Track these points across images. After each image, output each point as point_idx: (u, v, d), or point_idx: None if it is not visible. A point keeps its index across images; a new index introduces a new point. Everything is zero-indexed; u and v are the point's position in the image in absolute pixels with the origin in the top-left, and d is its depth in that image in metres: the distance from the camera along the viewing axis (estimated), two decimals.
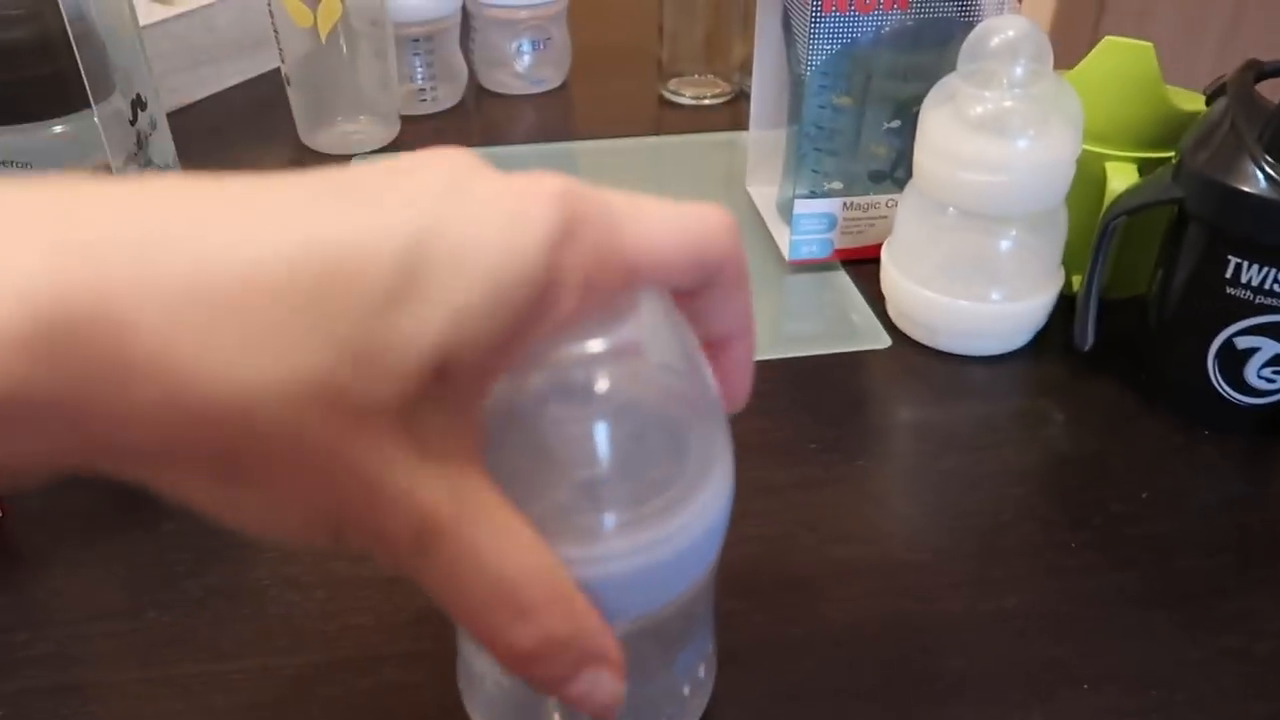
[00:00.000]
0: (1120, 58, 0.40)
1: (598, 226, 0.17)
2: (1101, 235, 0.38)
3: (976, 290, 0.41)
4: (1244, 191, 0.34)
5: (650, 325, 0.20)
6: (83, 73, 0.34)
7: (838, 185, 0.47)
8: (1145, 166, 0.40)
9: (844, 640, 0.30)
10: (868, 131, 0.46)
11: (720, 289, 0.20)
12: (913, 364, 0.42)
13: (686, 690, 0.27)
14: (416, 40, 0.62)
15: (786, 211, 0.49)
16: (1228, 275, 0.35)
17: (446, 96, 0.65)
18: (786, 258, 0.48)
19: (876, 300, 0.45)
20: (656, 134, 0.63)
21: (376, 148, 0.60)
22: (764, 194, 0.53)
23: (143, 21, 0.51)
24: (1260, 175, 0.33)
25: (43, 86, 0.34)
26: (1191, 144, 0.36)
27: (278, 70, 0.59)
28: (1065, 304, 0.42)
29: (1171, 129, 0.40)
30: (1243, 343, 0.36)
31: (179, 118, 0.61)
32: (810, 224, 0.47)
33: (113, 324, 0.13)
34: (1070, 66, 0.41)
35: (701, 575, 0.23)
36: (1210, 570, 0.33)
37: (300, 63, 0.57)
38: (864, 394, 0.41)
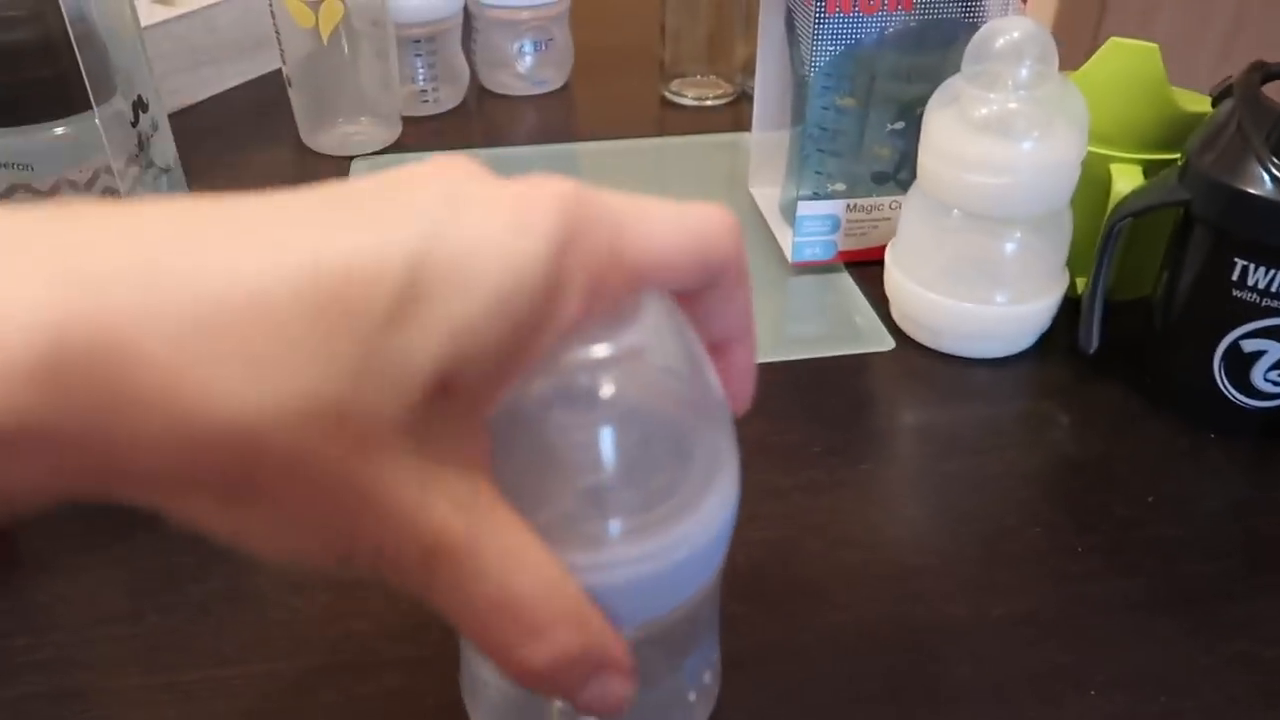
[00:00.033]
0: (1125, 59, 0.40)
1: (601, 230, 0.17)
2: (1107, 237, 0.38)
3: (981, 292, 0.40)
4: (1250, 194, 0.34)
5: (655, 328, 0.20)
6: (84, 74, 0.34)
7: (841, 187, 0.46)
8: (1150, 168, 0.40)
9: (850, 646, 0.30)
10: (871, 133, 0.46)
11: (722, 290, 0.20)
12: (916, 367, 0.42)
13: (693, 696, 0.27)
14: (418, 41, 0.62)
15: (789, 213, 0.49)
16: (1234, 278, 0.35)
17: (448, 97, 0.65)
18: (789, 260, 0.48)
19: (880, 302, 0.45)
20: (659, 135, 0.63)
21: (378, 149, 0.60)
22: (767, 195, 0.53)
23: (144, 22, 0.51)
24: (1267, 177, 0.33)
25: (44, 88, 0.34)
26: (1198, 146, 0.36)
27: (279, 71, 0.59)
28: (1070, 306, 0.42)
29: (1177, 130, 0.39)
30: (1249, 345, 0.36)
31: (180, 119, 0.61)
32: (813, 226, 0.47)
33: (118, 353, 0.13)
34: (1072, 67, 0.41)
35: (708, 581, 0.23)
36: (1217, 575, 0.32)
37: (301, 63, 0.57)
38: (868, 397, 0.41)
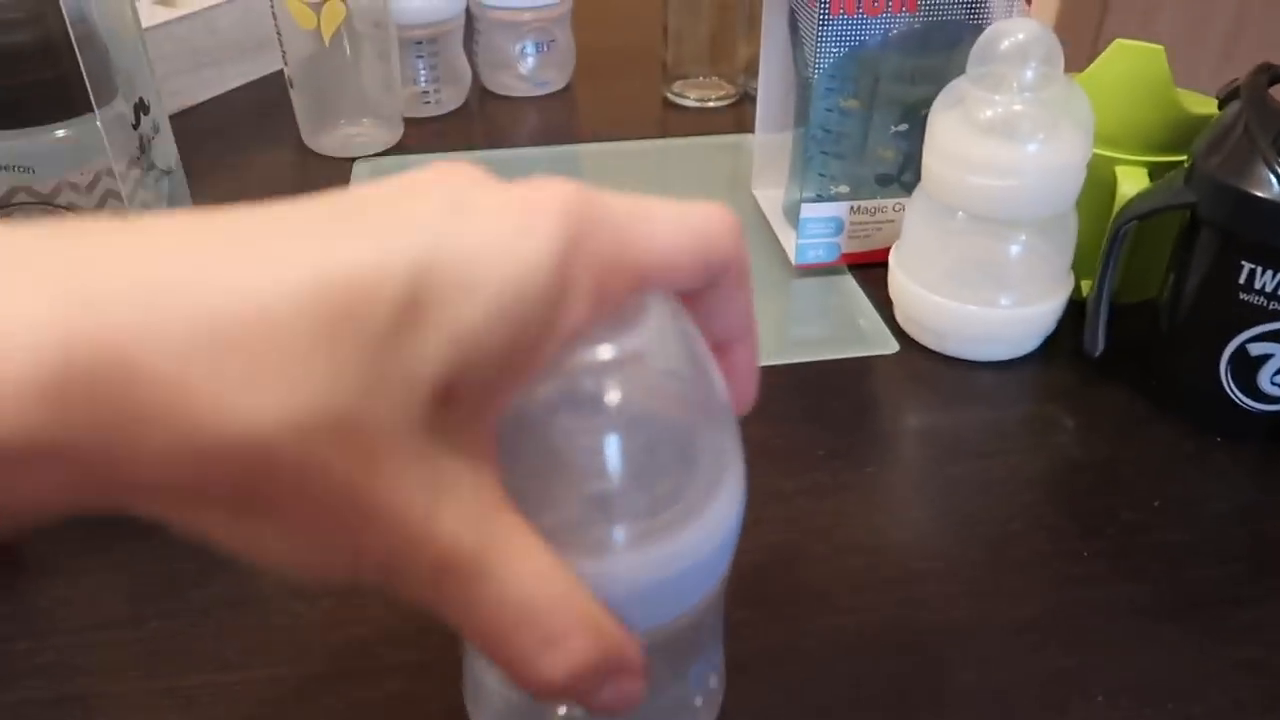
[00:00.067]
0: (1131, 60, 0.39)
1: (604, 231, 0.17)
2: (1112, 240, 0.38)
3: (985, 295, 0.40)
4: (1257, 196, 0.33)
5: (660, 331, 0.19)
6: (85, 76, 0.34)
7: (844, 189, 0.46)
8: (1156, 170, 0.40)
9: (854, 650, 0.30)
10: (875, 135, 0.46)
11: (724, 289, 0.20)
12: (921, 369, 0.42)
13: (699, 701, 0.27)
14: (420, 42, 0.62)
15: (793, 215, 0.49)
16: (1241, 281, 0.35)
17: (450, 99, 0.64)
18: (793, 262, 0.47)
19: (884, 305, 0.45)
20: (661, 136, 0.63)
21: (379, 150, 0.59)
22: (770, 197, 0.52)
23: (144, 24, 0.51)
24: (1274, 180, 0.33)
25: (45, 90, 0.34)
26: (1204, 148, 0.36)
27: (280, 72, 0.59)
28: (1075, 309, 0.42)
29: (1183, 132, 0.39)
30: (1256, 349, 0.35)
31: (181, 120, 0.61)
32: (817, 228, 0.47)
33: (124, 369, 0.13)
34: (1074, 68, 0.41)
35: (713, 587, 0.23)
36: (1224, 579, 0.32)
37: (303, 65, 0.57)
38: (872, 400, 0.41)
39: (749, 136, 0.57)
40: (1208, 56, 1.09)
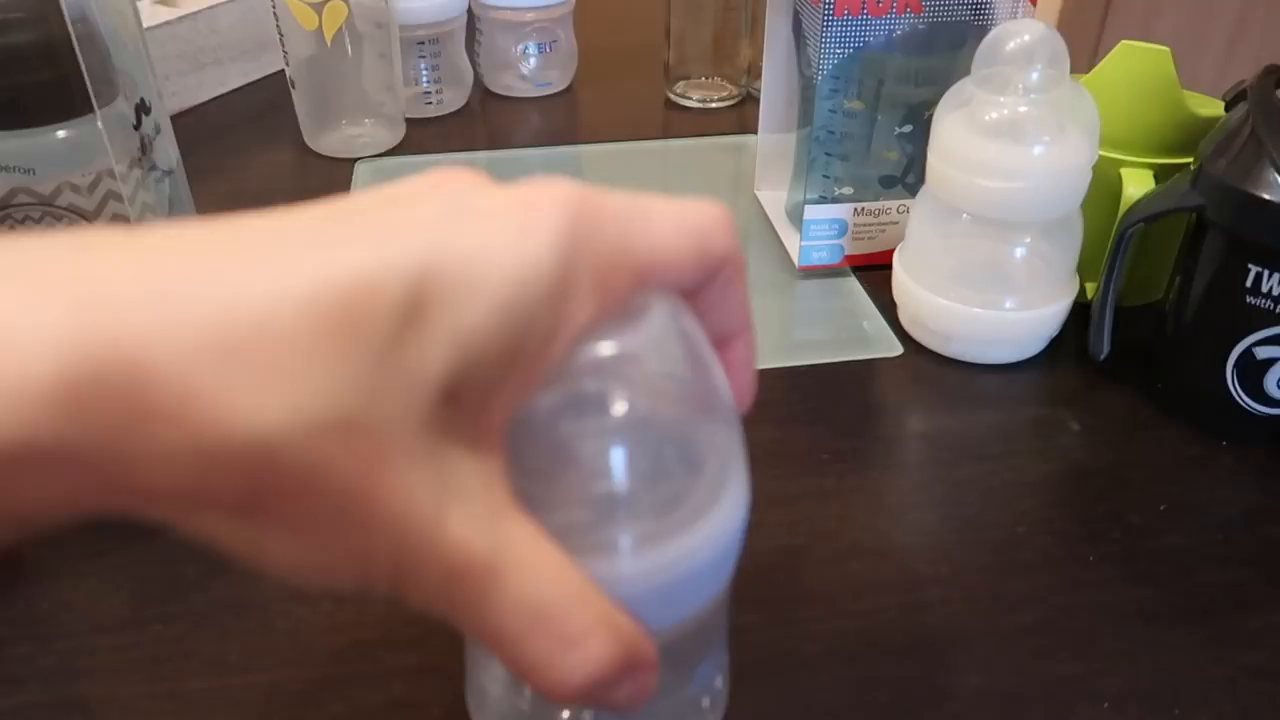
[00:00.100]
0: (1137, 62, 0.39)
1: (606, 229, 0.17)
2: (1118, 242, 0.38)
3: (990, 297, 0.40)
4: (1265, 199, 0.33)
5: (665, 330, 0.19)
6: (86, 77, 0.33)
7: (848, 190, 0.46)
8: (1161, 172, 0.40)
9: (859, 654, 0.30)
10: (879, 136, 0.45)
11: (719, 286, 0.20)
12: (925, 372, 0.42)
13: (706, 703, 0.26)
14: (422, 43, 0.61)
15: (796, 217, 0.49)
16: (1248, 284, 0.35)
17: (452, 99, 0.64)
18: (796, 264, 0.47)
19: (888, 307, 0.45)
20: (663, 137, 0.62)
21: (381, 151, 0.59)
22: (773, 199, 0.52)
23: (146, 24, 0.51)
24: None
25: (45, 91, 0.34)
26: (1211, 150, 0.35)
27: (282, 73, 0.59)
28: (1080, 312, 0.41)
29: (1188, 134, 0.39)
30: (1262, 353, 0.35)
31: (182, 120, 0.61)
32: (821, 230, 0.47)
33: (132, 373, 0.13)
34: (1077, 69, 0.41)
35: (719, 591, 0.22)
36: (1231, 585, 0.32)
37: (305, 65, 0.57)
38: (876, 403, 0.41)
39: (751, 137, 0.57)
40: (1209, 58, 1.09)
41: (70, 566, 0.32)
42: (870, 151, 0.46)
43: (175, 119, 0.41)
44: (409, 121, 0.61)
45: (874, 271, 0.47)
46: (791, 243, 0.49)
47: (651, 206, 0.18)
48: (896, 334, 0.44)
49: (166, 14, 0.60)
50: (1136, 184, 0.39)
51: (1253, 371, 0.36)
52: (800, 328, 0.46)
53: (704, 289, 0.20)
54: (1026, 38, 0.37)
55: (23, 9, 0.33)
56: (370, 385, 0.15)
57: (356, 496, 0.15)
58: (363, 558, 0.16)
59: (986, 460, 0.37)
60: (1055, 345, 0.42)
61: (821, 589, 0.32)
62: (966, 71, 0.39)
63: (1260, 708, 0.28)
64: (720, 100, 0.66)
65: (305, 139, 0.60)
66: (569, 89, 0.68)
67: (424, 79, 0.63)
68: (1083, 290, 0.42)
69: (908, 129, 0.45)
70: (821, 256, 0.47)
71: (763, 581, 0.32)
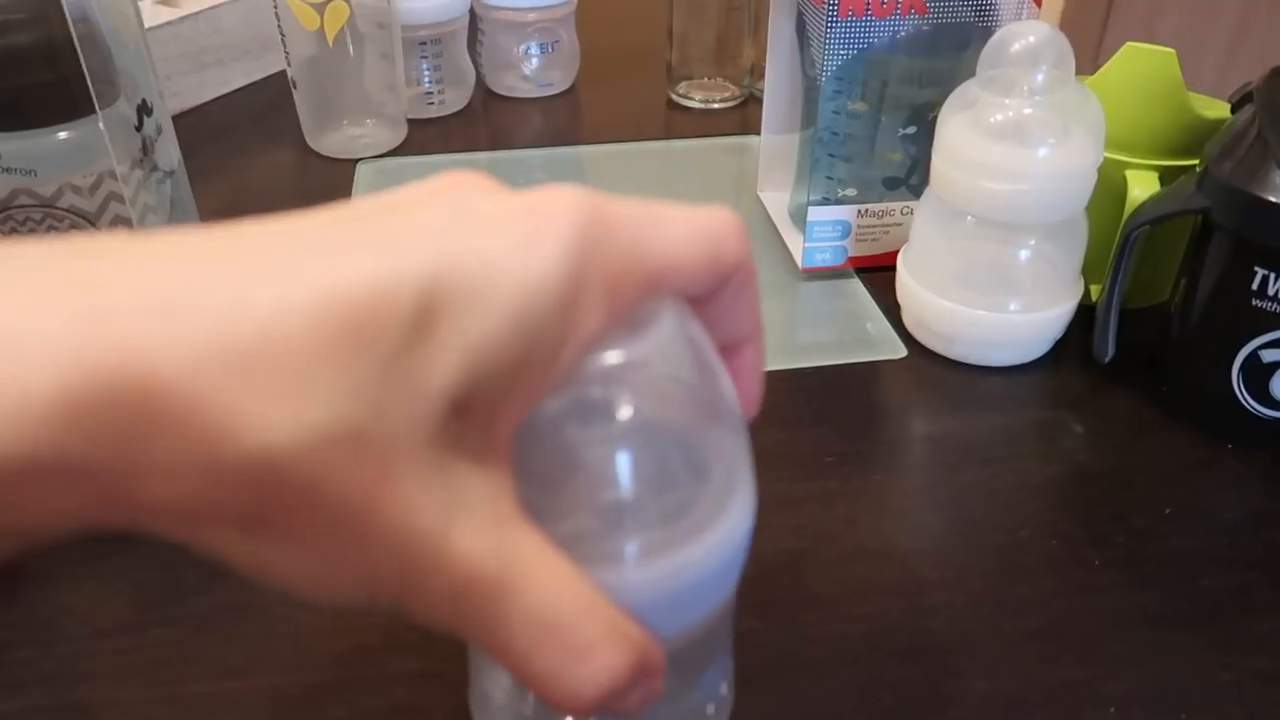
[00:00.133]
0: (1142, 64, 0.39)
1: (616, 237, 0.17)
2: (1123, 245, 0.37)
3: (994, 300, 0.40)
4: (1271, 202, 0.33)
5: (672, 337, 0.19)
6: (87, 78, 0.33)
7: (852, 192, 0.46)
8: (1166, 174, 0.40)
9: (863, 658, 0.30)
10: (883, 137, 0.45)
11: (730, 293, 0.20)
12: (929, 374, 0.42)
13: (711, 709, 0.26)
14: (424, 43, 0.61)
15: (799, 218, 0.48)
16: (1254, 287, 0.34)
17: (454, 100, 0.64)
18: (799, 265, 0.47)
19: (891, 309, 0.45)
20: (665, 138, 0.62)
21: (383, 151, 0.59)
22: (776, 200, 0.52)
23: (147, 24, 0.51)
24: None
25: (47, 92, 0.34)
26: (1217, 152, 0.35)
27: (283, 73, 0.58)
28: (1084, 314, 0.41)
29: (1194, 136, 0.39)
30: (1269, 356, 0.35)
31: (184, 120, 0.61)
32: (824, 231, 0.46)
33: (136, 385, 0.13)
34: (1079, 70, 0.41)
35: (725, 598, 0.22)
36: (1237, 589, 0.32)
37: (306, 65, 0.57)
38: (880, 405, 0.41)
39: (754, 138, 0.57)
40: (1211, 58, 1.09)
41: (71, 570, 0.32)
42: (874, 153, 0.46)
43: (176, 119, 0.41)
44: (411, 122, 0.61)
45: (877, 273, 0.47)
46: (795, 244, 0.48)
47: (662, 213, 0.18)
48: (900, 336, 0.43)
49: (168, 14, 0.60)
50: (1142, 186, 0.39)
51: (1258, 374, 0.36)
52: (803, 330, 0.46)
53: (715, 296, 0.20)
54: (1032, 39, 0.37)
55: (24, 10, 0.33)
56: (377, 397, 0.14)
57: (362, 509, 0.15)
58: (369, 571, 0.16)
59: (991, 463, 0.37)
60: (1060, 348, 0.42)
61: (825, 592, 0.32)
62: (970, 73, 0.39)
63: (1267, 712, 0.28)
64: (723, 101, 0.66)
65: (307, 139, 0.59)
66: (571, 89, 0.68)
67: (426, 79, 0.62)
68: (1087, 292, 0.42)
69: (911, 130, 0.45)
70: (825, 258, 0.47)
71: (767, 585, 0.32)
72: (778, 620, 0.31)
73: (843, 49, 0.42)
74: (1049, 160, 0.37)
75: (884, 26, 0.42)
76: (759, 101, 0.51)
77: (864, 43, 0.42)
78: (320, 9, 0.54)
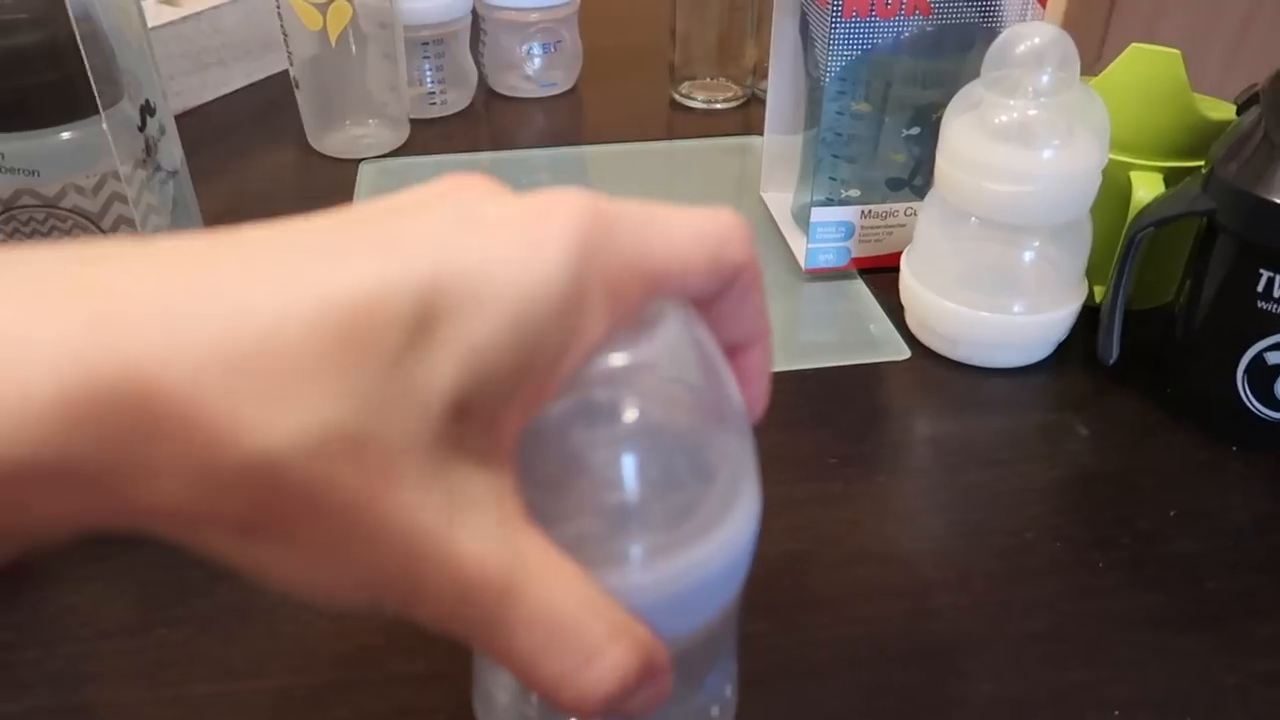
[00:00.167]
0: (1147, 65, 0.39)
1: (618, 240, 0.17)
2: (1128, 246, 0.37)
3: (998, 301, 0.40)
4: (1277, 204, 0.33)
5: (677, 340, 0.19)
6: (90, 78, 0.33)
7: (855, 193, 0.46)
8: (1171, 176, 0.40)
9: (867, 661, 0.30)
10: (886, 138, 0.45)
11: (735, 294, 0.20)
12: (932, 376, 0.42)
13: (716, 711, 0.26)
14: (426, 43, 0.61)
15: (802, 219, 0.48)
16: (1259, 289, 0.34)
17: (456, 100, 0.64)
18: (802, 266, 0.47)
19: (895, 310, 0.45)
20: (668, 138, 0.62)
21: (385, 151, 0.59)
22: (779, 200, 0.52)
23: (150, 24, 0.51)
24: None
25: (50, 92, 0.33)
26: (1222, 154, 0.35)
27: (285, 73, 0.58)
28: (1089, 316, 0.41)
29: (1199, 138, 0.39)
30: (1274, 358, 0.35)
31: (186, 120, 0.61)
32: (827, 232, 0.46)
33: (137, 389, 0.13)
34: (1081, 68, 0.41)
35: (730, 601, 0.22)
36: (1242, 591, 0.32)
37: (309, 65, 0.57)
38: (883, 407, 0.41)
39: (756, 139, 0.57)
40: (1214, 58, 1.09)
41: (74, 571, 0.32)
42: (877, 154, 0.45)
43: (178, 119, 0.41)
44: (413, 122, 0.61)
45: (881, 274, 0.47)
46: (798, 245, 0.48)
47: (664, 215, 0.18)
48: (903, 337, 0.43)
49: (170, 14, 0.60)
50: (1146, 188, 0.39)
51: (1263, 377, 0.36)
52: (806, 331, 0.46)
53: (720, 297, 0.20)
54: (1037, 40, 0.37)
55: (27, 9, 0.33)
56: (377, 401, 0.14)
57: (363, 512, 0.15)
58: (371, 575, 0.16)
59: (994, 465, 0.37)
60: (1064, 349, 0.42)
61: (829, 595, 0.32)
62: (974, 74, 0.39)
63: (1272, 716, 0.28)
64: (725, 101, 0.66)
65: (309, 139, 0.59)
66: (573, 89, 0.68)
67: (428, 79, 0.62)
68: (1091, 294, 0.42)
69: (915, 131, 0.45)
70: (828, 259, 0.47)
71: (770, 587, 0.32)
72: (781, 623, 0.31)
73: (847, 49, 0.42)
74: (1054, 162, 0.37)
75: (888, 27, 0.42)
76: (762, 102, 0.51)
77: (868, 43, 0.42)
78: (323, 9, 0.54)
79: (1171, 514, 0.35)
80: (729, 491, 0.21)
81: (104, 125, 0.34)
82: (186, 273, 0.14)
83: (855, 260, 0.47)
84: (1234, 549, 0.33)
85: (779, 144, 0.51)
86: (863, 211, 0.46)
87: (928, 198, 0.42)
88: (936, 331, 0.42)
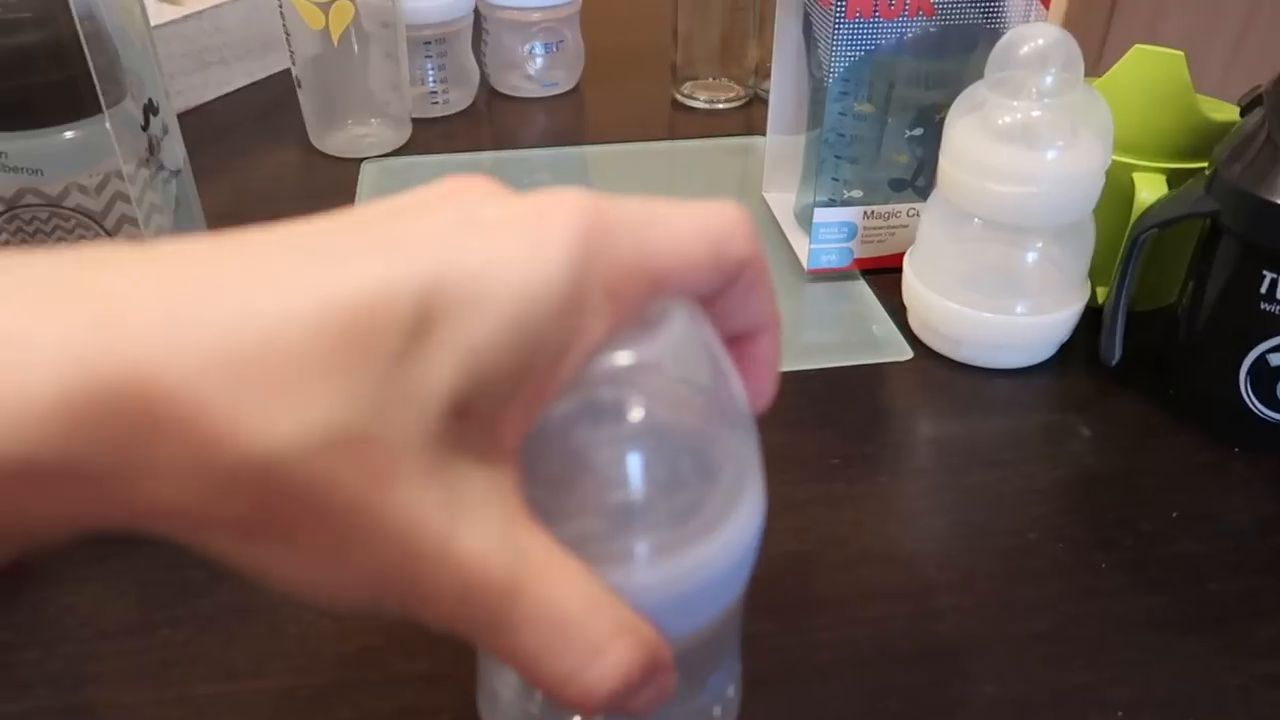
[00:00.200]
0: (1151, 66, 0.39)
1: (619, 239, 0.17)
2: (1131, 248, 0.37)
3: (1001, 302, 0.40)
4: None
5: (681, 338, 0.19)
6: (94, 77, 0.33)
7: (858, 193, 0.46)
8: (1174, 177, 0.40)
9: (869, 662, 0.30)
10: (889, 139, 0.45)
11: (741, 288, 0.20)
12: (935, 377, 0.42)
13: (718, 711, 0.26)
14: (428, 43, 0.61)
15: (805, 219, 0.48)
16: (1262, 291, 0.34)
17: (458, 99, 0.64)
18: (805, 267, 0.47)
19: (898, 311, 0.44)
20: (670, 138, 0.62)
21: (387, 151, 0.59)
22: (781, 201, 0.52)
23: (151, 23, 0.51)
24: None
25: (53, 91, 0.33)
26: (1226, 155, 0.35)
27: (288, 72, 0.58)
28: (1091, 317, 0.41)
29: (1202, 139, 0.39)
30: (1276, 360, 0.35)
31: (188, 119, 0.61)
32: (830, 233, 0.46)
33: (138, 390, 0.13)
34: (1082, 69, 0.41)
35: (733, 600, 0.22)
36: (1244, 593, 0.32)
37: (311, 65, 0.57)
38: (886, 408, 0.41)
39: (759, 139, 0.57)
40: (1215, 59, 1.09)
41: (75, 571, 0.32)
42: (880, 154, 0.45)
43: (180, 118, 0.41)
44: (415, 121, 0.61)
45: (883, 275, 0.47)
46: (800, 246, 0.48)
47: (666, 212, 0.18)
48: (906, 338, 0.43)
49: (172, 13, 0.60)
50: (1150, 189, 0.39)
51: (1266, 378, 0.36)
52: (809, 331, 0.46)
53: (725, 292, 0.20)
54: (1040, 41, 0.37)
55: (30, 9, 0.33)
56: (378, 401, 0.14)
57: (365, 513, 0.15)
58: (372, 575, 0.16)
59: (997, 466, 0.37)
60: (1066, 350, 0.42)
61: (832, 596, 0.32)
62: (977, 75, 0.39)
63: (1275, 718, 0.28)
64: (727, 101, 0.66)
65: (311, 139, 0.59)
66: (575, 89, 0.68)
67: (430, 79, 0.62)
68: (1094, 295, 0.42)
69: (918, 132, 0.45)
70: (830, 260, 0.47)
71: (773, 588, 0.31)
72: (784, 623, 0.31)
73: (850, 50, 0.42)
74: (1057, 163, 0.37)
75: (891, 28, 0.42)
76: (764, 102, 0.51)
77: (871, 44, 0.42)
78: (325, 8, 0.54)
79: (1174, 515, 0.35)
80: (733, 490, 0.21)
81: (107, 124, 0.34)
82: (188, 276, 0.14)
83: (858, 261, 0.47)
84: (1236, 550, 0.33)
85: (781, 144, 0.51)
86: (865, 212, 0.46)
87: (931, 198, 0.42)
88: (939, 332, 0.42)
